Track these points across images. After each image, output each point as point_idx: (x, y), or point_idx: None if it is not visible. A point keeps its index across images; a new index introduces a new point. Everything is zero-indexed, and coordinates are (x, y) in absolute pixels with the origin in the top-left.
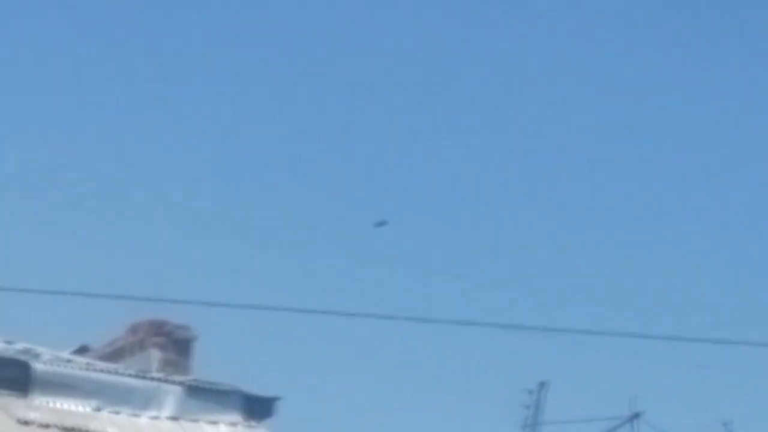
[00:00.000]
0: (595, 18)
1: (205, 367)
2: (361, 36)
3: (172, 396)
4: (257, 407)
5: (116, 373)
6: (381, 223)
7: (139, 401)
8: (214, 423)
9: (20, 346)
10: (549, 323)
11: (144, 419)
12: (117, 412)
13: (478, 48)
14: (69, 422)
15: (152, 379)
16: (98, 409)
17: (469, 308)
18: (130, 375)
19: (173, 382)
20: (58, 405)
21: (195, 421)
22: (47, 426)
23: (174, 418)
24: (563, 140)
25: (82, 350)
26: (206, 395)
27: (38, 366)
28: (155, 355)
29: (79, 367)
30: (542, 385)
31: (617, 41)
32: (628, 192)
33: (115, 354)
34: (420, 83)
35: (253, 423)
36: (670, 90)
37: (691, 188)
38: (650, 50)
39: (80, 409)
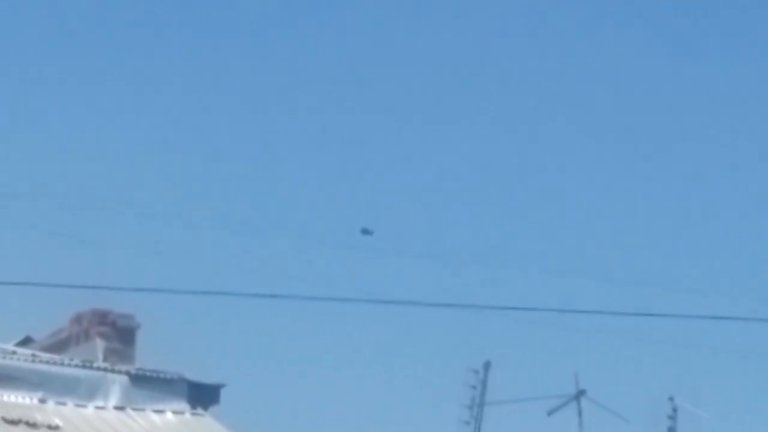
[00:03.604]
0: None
1: (149, 355)
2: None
3: (117, 385)
4: (202, 395)
5: (61, 363)
6: (366, 232)
7: (85, 391)
8: (160, 411)
9: None
10: (490, 301)
11: (90, 409)
12: (62, 403)
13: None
14: (14, 414)
15: (97, 368)
16: (43, 401)
17: (414, 289)
18: (74, 365)
19: (118, 372)
20: (4, 397)
21: (141, 410)
22: None
23: (120, 408)
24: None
25: (26, 341)
26: (151, 384)
27: None
28: (99, 345)
29: (23, 359)
30: (488, 364)
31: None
32: (571, 168)
33: (59, 345)
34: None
35: (198, 410)
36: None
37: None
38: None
39: (26, 401)
